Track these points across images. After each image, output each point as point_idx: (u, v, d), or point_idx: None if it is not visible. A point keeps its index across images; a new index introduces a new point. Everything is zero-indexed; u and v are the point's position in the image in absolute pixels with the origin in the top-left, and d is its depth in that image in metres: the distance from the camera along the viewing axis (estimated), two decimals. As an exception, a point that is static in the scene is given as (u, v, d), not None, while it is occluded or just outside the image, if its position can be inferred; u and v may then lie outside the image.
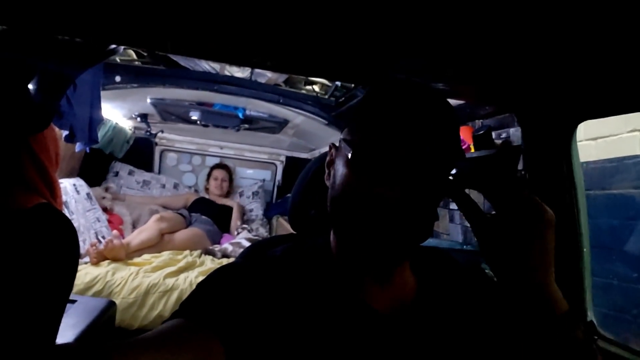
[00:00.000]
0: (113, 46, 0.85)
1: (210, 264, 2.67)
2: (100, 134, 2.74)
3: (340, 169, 0.59)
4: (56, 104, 0.78)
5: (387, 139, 0.55)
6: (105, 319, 1.52)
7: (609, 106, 0.97)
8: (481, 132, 1.88)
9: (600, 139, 1.75)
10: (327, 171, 0.67)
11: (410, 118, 0.55)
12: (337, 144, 0.66)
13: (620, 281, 1.63)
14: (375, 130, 0.56)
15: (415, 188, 0.54)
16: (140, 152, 4.00)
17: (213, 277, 0.61)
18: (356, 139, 0.57)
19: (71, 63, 0.79)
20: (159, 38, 0.82)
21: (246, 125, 3.27)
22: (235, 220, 3.64)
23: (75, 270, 0.85)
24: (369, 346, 0.57)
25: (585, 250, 1.09)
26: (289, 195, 4.20)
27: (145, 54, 2.36)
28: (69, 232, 0.80)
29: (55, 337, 0.79)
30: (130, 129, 3.68)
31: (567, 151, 1.08)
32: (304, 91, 2.71)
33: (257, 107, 2.95)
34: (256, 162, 4.49)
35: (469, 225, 2.16)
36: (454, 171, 0.60)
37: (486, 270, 1.80)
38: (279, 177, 4.49)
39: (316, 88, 2.69)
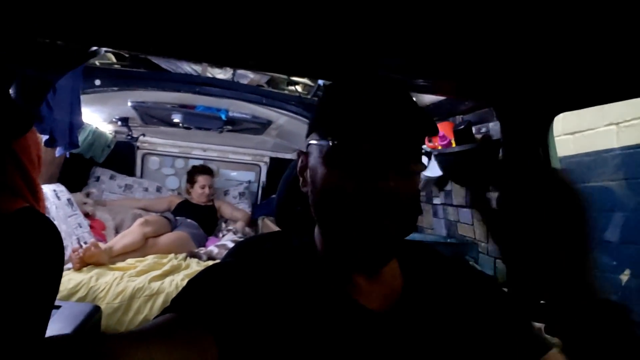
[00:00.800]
0: (94, 48, 0.84)
1: (196, 266, 2.65)
2: (80, 138, 2.70)
3: (319, 171, 0.60)
4: (38, 107, 0.78)
5: (371, 131, 0.56)
6: (91, 324, 1.50)
7: (584, 98, 1.00)
8: (462, 127, 1.92)
9: (578, 133, 1.79)
10: (300, 179, 0.68)
11: (387, 108, 0.57)
12: (305, 151, 0.67)
13: (599, 271, 1.68)
14: (358, 123, 0.57)
15: (403, 177, 0.56)
16: (122, 157, 3.95)
17: (204, 274, 0.62)
18: (336, 136, 0.58)
19: (52, 66, 0.78)
20: (141, 40, 0.82)
21: (229, 127, 3.26)
22: (231, 213, 3.61)
23: (60, 274, 0.84)
24: (359, 344, 0.58)
25: (564, 240, 1.11)
26: (273, 196, 4.19)
27: (125, 57, 2.34)
28: (53, 236, 0.79)
29: (42, 340, 0.79)
30: (111, 133, 3.64)
31: (545, 143, 1.11)
32: (286, 91, 2.72)
33: (240, 109, 2.94)
34: (240, 164, 4.47)
35: (452, 219, 2.18)
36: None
37: (470, 262, 1.83)
38: (263, 178, 4.48)
39: (299, 88, 2.70)
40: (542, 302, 1.11)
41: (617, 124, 1.64)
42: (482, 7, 0.62)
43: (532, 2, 0.60)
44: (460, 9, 0.62)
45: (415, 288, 0.66)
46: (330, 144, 0.57)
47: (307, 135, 0.66)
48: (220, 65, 2.23)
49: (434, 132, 0.61)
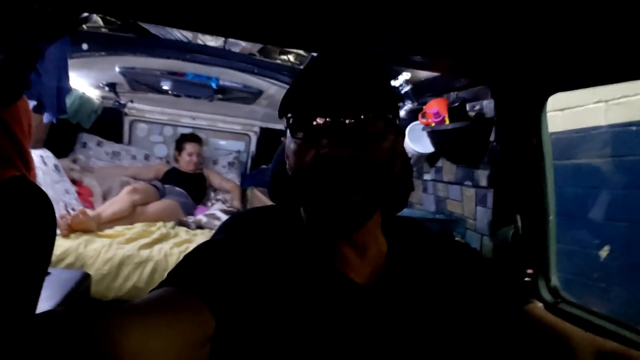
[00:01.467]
0: (85, 14, 0.82)
1: (185, 235, 2.66)
2: (67, 103, 2.64)
3: (290, 149, 0.63)
4: (28, 75, 0.76)
5: (322, 102, 0.58)
6: (81, 290, 1.51)
7: (578, 79, 1.01)
8: (456, 104, 1.92)
9: (567, 110, 1.80)
10: (287, 165, 0.69)
11: (340, 81, 0.59)
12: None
13: (582, 248, 1.72)
14: (310, 96, 0.59)
15: (362, 146, 0.57)
16: (109, 123, 3.87)
17: (200, 249, 0.63)
18: (293, 113, 0.61)
19: (43, 32, 0.76)
20: (133, 6, 0.80)
21: (219, 96, 3.22)
22: (220, 183, 3.60)
23: (53, 242, 0.85)
24: (344, 315, 0.60)
25: (551, 218, 1.14)
26: (263, 166, 4.21)
27: (113, 21, 2.27)
28: (45, 204, 0.79)
29: (35, 308, 0.79)
30: (98, 99, 3.56)
31: (537, 123, 1.12)
32: (278, 61, 2.68)
33: (231, 77, 2.90)
34: (230, 133, 4.42)
35: (441, 195, 2.22)
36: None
37: (456, 238, 1.86)
38: (252, 148, 4.45)
39: (291, 58, 2.66)
40: (526, 279, 1.15)
41: (605, 101, 1.65)
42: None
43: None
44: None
45: (399, 262, 0.68)
46: (290, 119, 0.61)
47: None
48: (214, 34, 2.18)
49: (387, 99, 0.62)
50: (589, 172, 1.72)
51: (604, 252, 1.65)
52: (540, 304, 1.09)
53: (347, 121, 0.57)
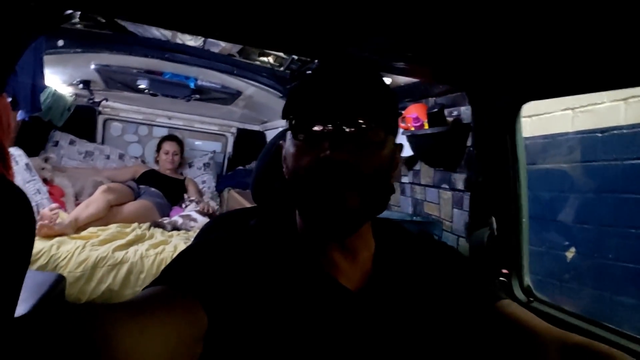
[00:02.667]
0: (69, 11, 0.81)
1: (160, 236, 2.62)
2: (39, 100, 2.58)
3: (290, 152, 0.63)
4: (9, 72, 0.74)
5: (323, 105, 0.59)
6: (56, 293, 1.48)
7: (552, 89, 1.05)
8: (435, 110, 1.96)
9: (535, 117, 1.87)
10: (284, 167, 0.70)
11: (340, 85, 0.60)
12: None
13: (552, 249, 1.78)
14: (311, 100, 0.60)
15: (359, 150, 0.59)
16: (82, 121, 3.77)
17: (193, 248, 0.63)
18: (295, 116, 0.62)
19: (24, 29, 0.75)
20: (117, 3, 0.79)
21: (197, 96, 3.19)
22: (193, 196, 3.57)
23: (32, 244, 0.83)
24: (333, 321, 0.61)
25: (524, 220, 1.19)
26: (240, 167, 4.19)
27: (90, 17, 2.22)
28: (23, 203, 0.77)
29: (14, 311, 0.78)
30: (71, 96, 3.47)
31: (512, 129, 1.16)
32: (257, 62, 2.67)
33: (209, 77, 2.88)
34: (206, 134, 4.38)
35: (418, 198, 2.25)
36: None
37: (435, 237, 1.90)
38: (229, 149, 4.42)
39: (271, 60, 2.66)
40: (501, 279, 1.18)
41: (572, 109, 1.72)
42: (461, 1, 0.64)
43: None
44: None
45: (386, 265, 0.70)
46: (293, 124, 0.61)
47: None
48: (197, 34, 2.16)
49: (391, 108, 0.64)
50: (557, 176, 1.78)
51: (569, 254, 1.71)
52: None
53: (347, 126, 0.58)
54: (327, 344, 0.59)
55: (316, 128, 0.59)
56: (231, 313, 0.55)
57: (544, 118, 1.84)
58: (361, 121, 0.59)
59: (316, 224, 0.61)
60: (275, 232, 0.69)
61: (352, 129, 0.58)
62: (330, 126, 0.58)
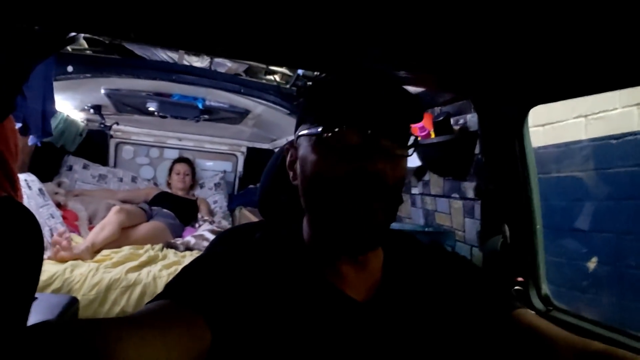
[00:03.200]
0: (72, 34, 0.83)
1: (173, 257, 2.63)
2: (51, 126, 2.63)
3: (309, 159, 0.61)
4: (15, 95, 0.76)
5: (359, 115, 0.58)
6: (69, 315, 1.48)
7: (558, 92, 1.04)
8: (441, 118, 1.95)
9: (548, 125, 1.84)
10: (290, 173, 0.69)
11: (374, 93, 0.58)
12: (294, 144, 0.68)
13: (569, 259, 1.74)
14: (347, 108, 0.58)
15: (390, 161, 0.58)
16: (94, 145, 3.85)
17: (197, 262, 0.62)
18: (326, 122, 0.59)
19: (30, 52, 0.76)
20: (121, 26, 0.80)
21: (206, 116, 3.22)
22: (206, 216, 3.59)
23: (40, 265, 0.83)
24: (342, 333, 0.59)
25: (538, 227, 1.16)
26: (251, 186, 4.21)
27: (98, 43, 2.27)
28: (32, 226, 0.78)
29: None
30: (83, 121, 3.54)
31: (520, 134, 1.15)
32: (264, 81, 2.70)
33: (217, 97, 2.91)
34: (216, 154, 4.42)
35: (429, 209, 2.22)
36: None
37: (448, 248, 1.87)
38: (240, 168, 4.45)
39: (277, 78, 2.68)
40: (517, 287, 1.15)
41: (585, 116, 1.69)
42: (464, 7, 0.64)
43: (509, 6, 0.63)
44: (444, 6, 0.64)
45: (395, 276, 0.68)
46: (320, 130, 0.59)
47: (296, 129, 0.67)
48: (202, 53, 2.20)
49: (419, 118, 0.63)
50: (572, 185, 1.75)
51: (591, 264, 1.66)
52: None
53: (383, 137, 0.57)
54: (333, 358, 0.57)
55: (349, 137, 0.57)
56: (235, 327, 0.54)
57: (556, 127, 1.82)
58: (397, 132, 0.58)
59: (341, 237, 0.59)
60: (281, 244, 0.69)
61: (387, 141, 0.57)
62: (365, 135, 0.57)
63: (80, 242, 2.52)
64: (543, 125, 1.86)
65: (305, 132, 0.63)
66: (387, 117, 0.58)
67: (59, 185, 3.10)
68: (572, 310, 1.14)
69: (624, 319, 1.52)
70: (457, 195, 2.14)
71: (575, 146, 1.73)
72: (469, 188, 2.03)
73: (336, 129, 0.58)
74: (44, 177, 2.91)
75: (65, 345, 0.38)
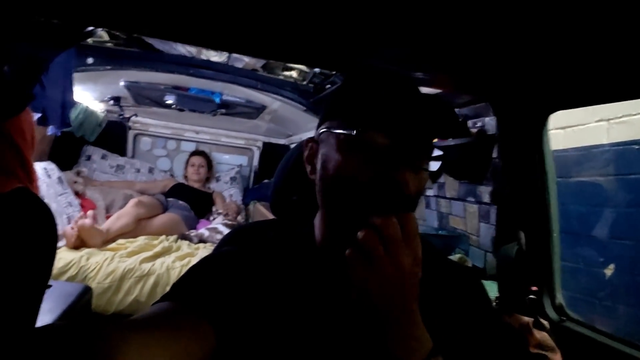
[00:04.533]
0: (90, 28, 0.83)
1: (187, 249, 2.65)
2: (71, 117, 2.67)
3: (333, 158, 0.60)
4: (32, 86, 0.76)
5: (393, 124, 0.56)
6: (82, 303, 1.50)
7: (579, 98, 1.01)
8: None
9: (569, 128, 1.81)
10: (308, 167, 0.67)
11: (411, 104, 0.57)
12: (316, 139, 0.67)
13: (586, 266, 1.71)
14: (381, 115, 0.57)
15: (415, 172, 0.57)
16: (113, 136, 3.91)
17: (204, 263, 0.62)
18: (358, 125, 0.57)
19: (47, 45, 0.77)
20: (138, 20, 0.80)
21: (223, 110, 3.24)
22: (221, 209, 3.62)
23: (54, 254, 0.84)
24: (352, 334, 0.58)
25: (555, 235, 1.13)
26: (266, 180, 4.23)
27: (118, 36, 2.29)
28: (46, 216, 0.79)
29: (35, 321, 0.79)
30: (102, 112, 3.59)
31: (539, 140, 1.12)
32: (281, 77, 2.70)
33: (234, 92, 2.92)
34: (233, 148, 4.45)
35: (444, 211, 2.19)
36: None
37: (461, 254, 1.84)
38: (255, 162, 4.47)
39: (294, 74, 2.68)
40: (531, 296, 1.13)
41: (607, 120, 1.65)
42: (483, 8, 0.62)
43: (531, 9, 0.61)
44: (463, 7, 0.62)
45: None
46: (349, 129, 0.58)
47: (320, 124, 0.66)
48: (219, 49, 2.21)
49: (453, 133, 0.61)
50: (592, 190, 1.71)
51: (608, 271, 1.63)
52: (526, 318, 1.08)
53: (412, 148, 0.56)
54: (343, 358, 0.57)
55: (381, 145, 0.56)
56: (240, 331, 0.54)
57: (577, 130, 1.78)
58: (423, 144, 0.57)
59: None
60: (292, 245, 0.68)
61: (415, 151, 0.57)
62: (393, 142, 0.56)
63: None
64: (563, 128, 1.82)
65: (333, 130, 0.61)
66: (419, 127, 0.56)
67: (78, 174, 3.15)
68: (586, 321, 1.12)
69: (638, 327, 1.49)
70: (472, 199, 2.11)
71: (597, 150, 1.69)
72: (485, 192, 2.00)
73: (366, 131, 0.56)
74: (63, 166, 2.96)
75: (69, 349, 0.38)
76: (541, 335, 1.04)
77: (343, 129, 0.59)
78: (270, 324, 0.56)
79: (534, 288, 1.16)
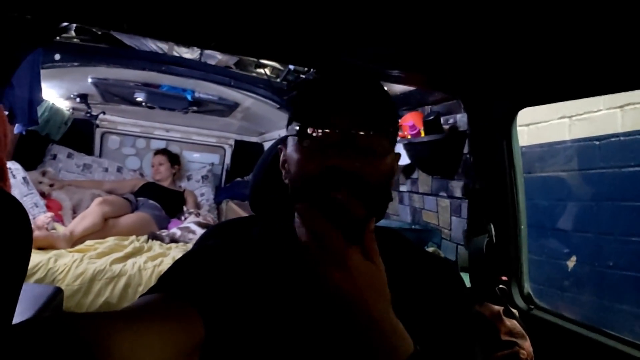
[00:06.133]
0: (65, 23, 0.81)
1: (159, 249, 2.61)
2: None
3: (293, 158, 0.62)
4: (5, 85, 0.74)
5: (333, 113, 0.59)
6: (53, 306, 1.47)
7: (546, 95, 1.06)
8: (431, 117, 1.97)
9: (533, 125, 1.87)
10: (283, 172, 0.69)
11: (350, 94, 0.60)
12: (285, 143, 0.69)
13: (552, 258, 1.78)
14: (321, 107, 0.60)
15: (366, 159, 0.58)
16: (80, 135, 3.80)
17: (191, 255, 0.63)
18: (302, 121, 0.61)
19: (21, 41, 0.75)
20: (114, 16, 0.80)
21: (194, 108, 3.20)
22: (192, 208, 3.57)
23: (28, 255, 0.82)
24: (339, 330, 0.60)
25: (522, 227, 1.18)
26: (238, 179, 4.19)
27: (86, 31, 2.23)
28: (20, 217, 0.77)
29: (11, 322, 0.77)
30: (68, 110, 3.49)
31: (508, 136, 1.17)
32: (254, 74, 2.69)
33: (207, 90, 2.89)
34: (204, 146, 4.40)
35: (417, 206, 2.23)
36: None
37: (433, 248, 1.88)
38: (227, 161, 4.43)
39: (267, 71, 2.67)
40: (500, 286, 1.18)
41: (569, 117, 1.72)
42: (455, 8, 0.65)
43: (500, 7, 0.64)
44: (436, 6, 0.65)
45: (389, 274, 0.69)
46: (298, 130, 0.60)
47: (286, 129, 0.68)
48: (195, 46, 2.18)
49: (392, 117, 0.64)
50: (555, 184, 1.78)
51: (570, 263, 1.70)
52: (497, 307, 1.12)
53: (357, 135, 0.58)
54: (328, 351, 0.58)
55: (324, 135, 0.59)
56: (229, 321, 0.55)
57: (540, 127, 1.85)
58: (370, 129, 0.59)
59: None
60: (277, 239, 0.69)
61: (361, 138, 0.58)
62: (338, 133, 0.58)
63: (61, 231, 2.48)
64: (527, 125, 1.89)
65: (288, 132, 0.64)
66: (363, 115, 0.59)
67: (43, 174, 3.05)
68: (552, 309, 1.17)
69: (601, 318, 1.56)
70: (444, 194, 2.17)
71: (559, 146, 1.76)
72: (457, 187, 2.05)
73: (311, 129, 0.59)
74: (27, 166, 2.86)
75: (58, 340, 0.38)
76: (511, 323, 1.09)
77: (291, 131, 0.62)
78: (258, 314, 0.57)
79: (504, 278, 1.20)
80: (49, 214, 2.44)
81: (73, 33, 2.25)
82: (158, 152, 3.96)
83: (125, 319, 0.45)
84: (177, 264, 0.60)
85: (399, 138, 2.23)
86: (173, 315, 0.49)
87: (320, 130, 0.59)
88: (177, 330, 0.48)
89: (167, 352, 0.45)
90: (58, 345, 0.37)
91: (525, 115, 1.86)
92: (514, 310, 1.13)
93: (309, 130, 0.60)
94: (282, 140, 0.71)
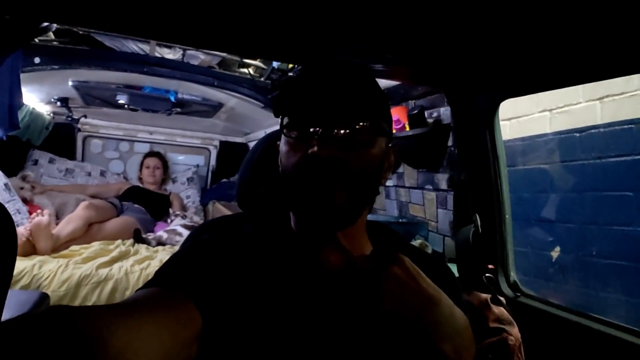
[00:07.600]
0: (45, 24, 0.80)
1: (146, 252, 2.58)
2: (17, 119, 2.54)
3: (282, 151, 0.65)
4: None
5: (313, 105, 0.61)
6: (40, 312, 1.44)
7: (527, 85, 1.08)
8: (415, 111, 1.99)
9: (514, 119, 1.91)
10: (280, 167, 0.70)
11: (330, 86, 0.61)
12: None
13: (536, 249, 1.81)
14: (301, 101, 0.62)
15: (349, 148, 0.60)
16: (61, 139, 3.73)
17: (186, 250, 0.63)
18: (286, 114, 0.63)
19: (0, 42, 0.74)
20: (97, 16, 0.79)
21: (178, 109, 3.17)
22: (178, 210, 3.54)
23: (14, 262, 0.81)
24: (327, 314, 0.60)
25: (507, 217, 1.21)
26: (224, 180, 4.17)
27: (66, 34, 2.20)
28: (5, 222, 0.76)
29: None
30: (49, 114, 3.43)
31: (491, 127, 1.19)
32: (237, 73, 2.68)
33: (190, 90, 2.87)
34: (189, 147, 4.37)
35: (403, 200, 2.24)
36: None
37: (421, 240, 1.89)
38: (213, 162, 4.41)
39: (251, 71, 2.67)
40: (487, 275, 1.20)
41: (550, 110, 1.75)
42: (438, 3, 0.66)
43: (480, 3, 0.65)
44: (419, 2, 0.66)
45: None
46: (283, 120, 0.63)
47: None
48: (181, 44, 2.16)
49: (379, 110, 0.65)
50: (538, 176, 1.81)
51: (555, 253, 1.73)
52: (485, 295, 1.14)
53: (337, 125, 0.59)
54: (324, 342, 0.59)
55: (306, 126, 0.60)
56: (225, 312, 0.55)
57: (522, 121, 1.88)
58: (351, 122, 0.60)
59: (305, 219, 0.63)
60: (271, 232, 0.70)
61: (341, 128, 0.60)
62: (319, 124, 0.60)
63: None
64: (509, 119, 1.92)
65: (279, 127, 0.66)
66: (342, 105, 0.60)
67: (24, 178, 3.00)
68: (539, 296, 1.20)
69: (585, 305, 1.59)
70: (430, 187, 2.19)
71: (541, 139, 1.79)
72: (442, 180, 2.08)
73: (295, 120, 0.62)
74: (8, 172, 2.80)
75: (55, 333, 0.37)
76: (499, 310, 1.11)
77: (280, 125, 0.64)
78: (254, 306, 0.58)
79: (490, 267, 1.22)
80: (47, 211, 2.40)
81: (52, 35, 2.22)
82: (152, 154, 3.92)
83: (122, 312, 0.44)
84: (173, 258, 0.61)
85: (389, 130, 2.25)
86: (170, 307, 0.49)
87: (301, 122, 0.61)
88: (174, 322, 0.48)
89: (165, 343, 0.45)
90: (54, 337, 0.37)
91: (507, 110, 1.90)
92: (501, 298, 1.15)
93: (292, 123, 0.62)
94: (269, 137, 0.72)
